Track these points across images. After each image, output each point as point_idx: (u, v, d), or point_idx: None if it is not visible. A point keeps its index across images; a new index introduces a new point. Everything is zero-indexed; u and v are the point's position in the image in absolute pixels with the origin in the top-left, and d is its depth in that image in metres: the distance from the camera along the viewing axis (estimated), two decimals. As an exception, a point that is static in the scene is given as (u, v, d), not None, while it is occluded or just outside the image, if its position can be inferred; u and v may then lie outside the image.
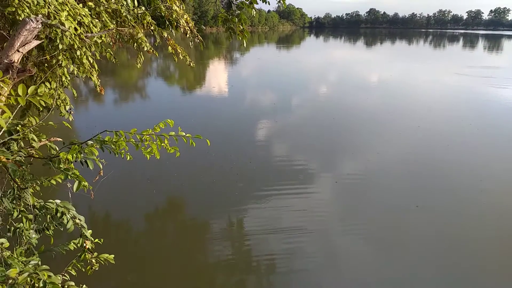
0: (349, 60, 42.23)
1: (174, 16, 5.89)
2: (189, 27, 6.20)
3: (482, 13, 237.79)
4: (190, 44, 7.04)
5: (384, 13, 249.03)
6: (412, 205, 7.53)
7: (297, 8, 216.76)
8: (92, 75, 5.16)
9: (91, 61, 4.79)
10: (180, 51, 6.53)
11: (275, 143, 11.20)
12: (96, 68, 5.29)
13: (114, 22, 5.45)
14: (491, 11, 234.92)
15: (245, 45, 6.73)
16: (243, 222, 6.79)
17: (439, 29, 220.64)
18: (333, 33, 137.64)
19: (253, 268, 5.60)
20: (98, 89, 5.60)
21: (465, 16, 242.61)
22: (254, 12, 6.83)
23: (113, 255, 3.03)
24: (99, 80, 5.45)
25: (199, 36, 6.66)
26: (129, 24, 5.54)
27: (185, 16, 6.10)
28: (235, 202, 7.47)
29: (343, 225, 6.77)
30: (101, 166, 2.79)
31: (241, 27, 6.51)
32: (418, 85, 22.87)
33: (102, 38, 5.17)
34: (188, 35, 6.31)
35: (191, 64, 6.94)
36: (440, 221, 6.98)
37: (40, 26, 3.12)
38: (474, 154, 10.51)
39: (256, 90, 20.81)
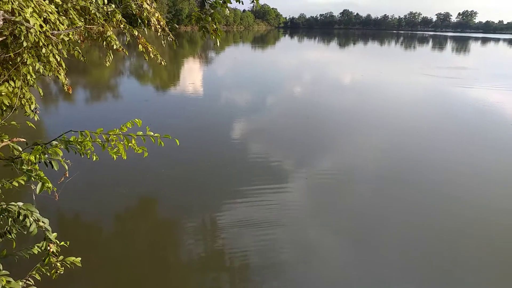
0: (323, 60, 42.73)
1: (145, 14, 5.80)
2: (160, 26, 6.12)
3: (451, 15, 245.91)
4: (163, 42, 6.95)
5: (357, 14, 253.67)
6: (383, 201, 7.71)
7: (272, 8, 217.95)
8: (59, 74, 5.02)
9: (58, 59, 4.65)
10: (151, 49, 6.43)
11: (249, 142, 11.20)
12: (64, 66, 5.14)
13: (83, 20, 5.31)
14: (459, 13, 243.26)
15: (218, 44, 6.70)
16: (216, 219, 6.76)
17: (409, 30, 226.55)
18: (308, 34, 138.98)
19: (226, 264, 5.59)
20: (65, 88, 5.45)
21: (434, 18, 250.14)
22: (228, 12, 6.81)
23: (79, 258, 2.95)
24: (67, 79, 5.31)
25: (171, 34, 6.58)
26: (98, 22, 5.41)
27: (156, 14, 6.01)
28: (208, 201, 7.43)
29: (315, 221, 6.84)
30: (66, 167, 2.72)
31: (215, 26, 6.48)
32: (389, 86, 23.46)
33: (70, 36, 5.03)
34: (159, 34, 6.24)
35: (162, 62, 6.85)
36: (412, 216, 7.16)
37: (1, 22, 3.01)
38: (443, 151, 10.83)
39: (231, 89, 20.78)
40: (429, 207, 7.58)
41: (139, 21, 6.17)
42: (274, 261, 5.69)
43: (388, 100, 18.71)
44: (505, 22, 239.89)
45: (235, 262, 5.66)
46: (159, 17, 6.11)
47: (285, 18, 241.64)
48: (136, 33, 5.90)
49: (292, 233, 6.45)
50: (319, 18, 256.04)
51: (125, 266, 5.48)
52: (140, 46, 6.27)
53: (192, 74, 25.86)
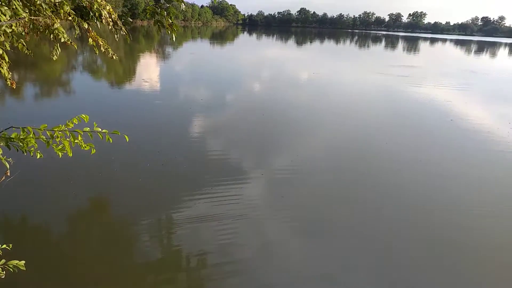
0: (281, 59, 43.18)
1: (95, 6, 5.59)
2: (112, 19, 5.92)
3: (402, 16, 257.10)
4: (116, 36, 6.73)
5: (314, 12, 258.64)
6: (340, 195, 7.94)
7: (231, 5, 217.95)
8: (2, 67, 4.74)
9: (0, 52, 4.40)
10: (102, 43, 6.21)
11: (206, 139, 11.12)
12: (7, 59, 4.87)
13: (27, 11, 5.04)
14: (409, 14, 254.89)
15: (174, 39, 6.60)
16: (173, 216, 6.65)
17: (364, 30, 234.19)
18: (266, 31, 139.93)
19: (184, 260, 5.54)
20: (8, 82, 5.16)
21: (387, 18, 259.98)
22: (184, 6, 6.72)
23: (23, 261, 2.81)
24: (11, 73, 5.02)
25: (123, 28, 6.38)
26: (45, 13, 5.16)
27: (107, 7, 5.81)
28: (164, 198, 7.31)
29: (273, 215, 6.91)
30: (7, 166, 2.57)
31: (170, 21, 6.38)
32: (343, 84, 24.21)
33: (13, 28, 4.76)
34: (110, 27, 6.03)
35: (114, 56, 6.64)
36: (366, 211, 7.41)
37: None
38: (394, 145, 11.31)
39: (188, 85, 20.52)
40: (382, 200, 7.89)
41: (91, 14, 5.94)
42: (231, 252, 5.71)
43: (342, 98, 19.30)
44: (451, 23, 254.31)
45: (193, 256, 5.62)
46: (111, 10, 5.91)
47: (244, 15, 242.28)
48: (87, 26, 5.68)
49: (249, 226, 6.49)
50: (277, 16, 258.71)
51: (76, 268, 5.28)
52: (90, 39, 6.04)
53: (148, 70, 25.28)
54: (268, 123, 13.24)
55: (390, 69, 32.14)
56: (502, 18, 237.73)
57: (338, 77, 26.87)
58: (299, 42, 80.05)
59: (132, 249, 5.83)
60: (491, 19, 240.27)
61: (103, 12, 5.65)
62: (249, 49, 56.89)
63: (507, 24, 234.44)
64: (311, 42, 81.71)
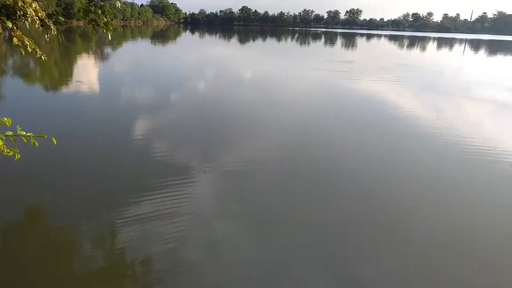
0: (223, 57, 43.20)
1: (19, 4, 5.29)
2: (39, 17, 5.63)
3: (340, 13, 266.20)
4: (47, 36, 6.41)
5: (256, 11, 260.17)
6: (290, 192, 8.13)
7: (171, 3, 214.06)
8: None
9: None
10: (28, 43, 5.89)
11: (147, 140, 10.89)
12: None
13: None
14: (346, 11, 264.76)
15: (110, 38, 6.46)
16: (115, 220, 6.42)
17: (304, 27, 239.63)
18: (209, 30, 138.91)
19: (128, 264, 5.41)
20: None
21: (325, 15, 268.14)
22: (119, 4, 6.57)
23: None
24: None
25: (52, 27, 6.09)
26: (-38, 12, 4.82)
27: (33, 5, 5.52)
28: (104, 202, 7.05)
29: (222, 212, 6.96)
30: None
31: (105, 19, 6.21)
32: (287, 80, 24.67)
33: None
34: (37, 26, 5.74)
35: (42, 57, 6.32)
36: (314, 205, 7.63)
37: None
38: (334, 138, 11.83)
39: (127, 86, 19.95)
40: (326, 189, 8.22)
41: (18, 13, 5.62)
42: (177, 252, 5.68)
43: (285, 94, 19.72)
44: (385, 20, 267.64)
45: (138, 259, 5.49)
46: (37, 7, 5.63)
47: (185, 13, 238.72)
48: (11, 25, 5.36)
49: (194, 225, 6.48)
50: (219, 14, 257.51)
51: (12, 283, 4.99)
52: (15, 39, 5.72)
53: (85, 71, 24.16)
54: (210, 122, 13.25)
55: (330, 65, 33.31)
56: (430, 14, 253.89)
57: (281, 74, 27.35)
58: (242, 41, 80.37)
59: (73, 257, 5.59)
60: (421, 15, 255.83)
61: (28, 10, 5.37)
62: (191, 48, 56.31)
63: (435, 20, 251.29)
64: (253, 40, 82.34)
